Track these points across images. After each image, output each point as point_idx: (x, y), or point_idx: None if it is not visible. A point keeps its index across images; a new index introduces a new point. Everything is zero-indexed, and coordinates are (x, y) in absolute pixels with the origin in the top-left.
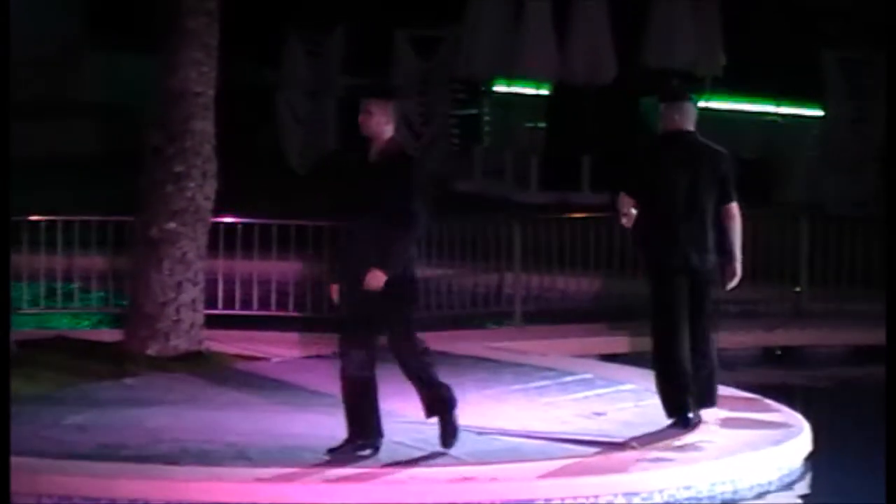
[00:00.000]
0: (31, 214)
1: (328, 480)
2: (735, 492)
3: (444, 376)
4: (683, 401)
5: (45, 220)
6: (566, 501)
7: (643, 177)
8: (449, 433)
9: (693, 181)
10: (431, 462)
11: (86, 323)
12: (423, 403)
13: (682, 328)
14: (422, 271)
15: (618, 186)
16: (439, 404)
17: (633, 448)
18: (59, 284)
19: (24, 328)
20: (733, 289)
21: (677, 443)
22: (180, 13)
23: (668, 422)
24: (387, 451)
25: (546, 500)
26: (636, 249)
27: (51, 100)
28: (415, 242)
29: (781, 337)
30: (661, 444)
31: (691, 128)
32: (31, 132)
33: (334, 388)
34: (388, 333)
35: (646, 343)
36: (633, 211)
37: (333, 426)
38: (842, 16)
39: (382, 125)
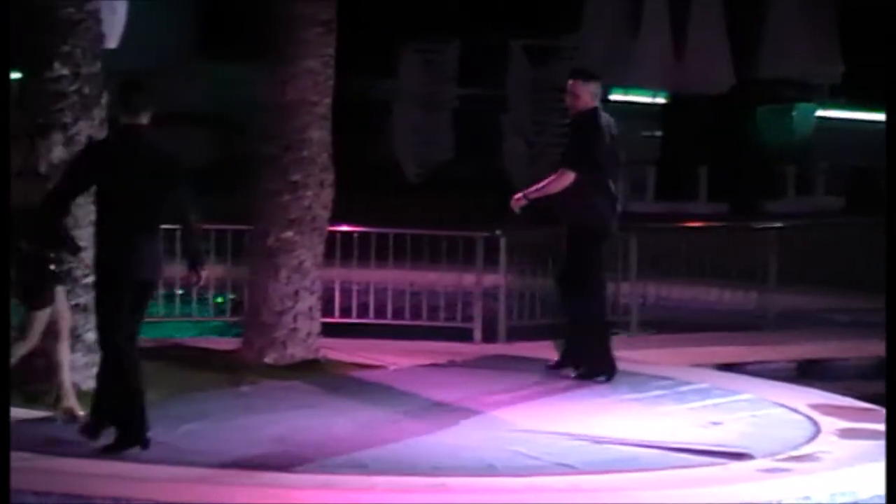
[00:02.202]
0: None
1: (444, 489)
2: (855, 503)
3: (564, 385)
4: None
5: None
6: None
7: (596, 150)
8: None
9: (614, 149)
10: (547, 470)
11: (203, 331)
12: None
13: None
14: (534, 280)
15: (582, 164)
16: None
17: None
18: (177, 292)
19: (141, 336)
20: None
21: (795, 453)
22: (296, 24)
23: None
24: (503, 459)
25: None
26: (565, 215)
27: (164, 110)
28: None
29: None
30: (781, 455)
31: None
32: None
33: (451, 396)
34: None
35: (763, 353)
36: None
37: (450, 434)
38: None
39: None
